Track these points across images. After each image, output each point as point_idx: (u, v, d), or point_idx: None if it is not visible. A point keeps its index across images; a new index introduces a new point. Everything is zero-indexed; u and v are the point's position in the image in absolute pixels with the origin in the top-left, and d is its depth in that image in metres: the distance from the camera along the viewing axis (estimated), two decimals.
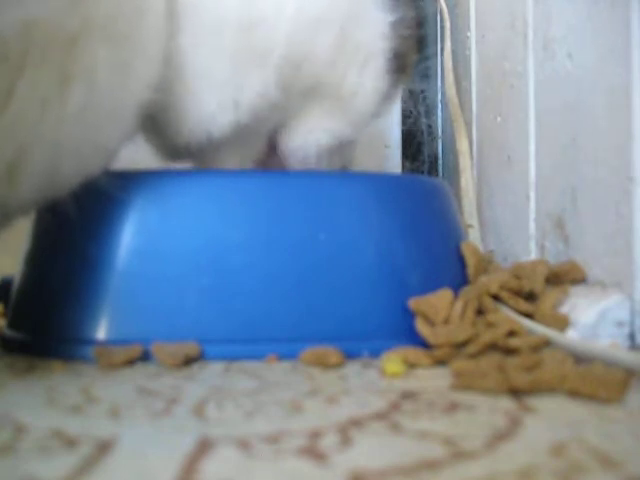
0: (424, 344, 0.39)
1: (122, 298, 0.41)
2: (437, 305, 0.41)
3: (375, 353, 0.39)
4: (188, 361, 0.38)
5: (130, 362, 0.38)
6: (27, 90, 0.32)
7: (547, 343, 0.38)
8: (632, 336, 0.40)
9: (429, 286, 0.42)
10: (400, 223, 0.44)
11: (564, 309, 0.42)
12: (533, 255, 0.53)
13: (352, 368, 0.37)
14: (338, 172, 0.53)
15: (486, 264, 0.46)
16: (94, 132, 0.36)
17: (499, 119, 0.61)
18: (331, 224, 0.42)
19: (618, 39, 0.41)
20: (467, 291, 0.42)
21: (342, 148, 0.51)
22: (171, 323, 0.40)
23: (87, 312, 0.41)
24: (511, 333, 0.39)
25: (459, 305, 0.41)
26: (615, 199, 0.41)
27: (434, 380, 0.34)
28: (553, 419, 0.28)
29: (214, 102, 0.44)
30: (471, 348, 0.37)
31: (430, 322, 0.40)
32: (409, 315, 0.41)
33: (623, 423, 0.27)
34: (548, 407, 0.29)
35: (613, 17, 0.42)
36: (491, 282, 0.43)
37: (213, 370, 0.37)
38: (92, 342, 0.40)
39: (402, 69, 0.50)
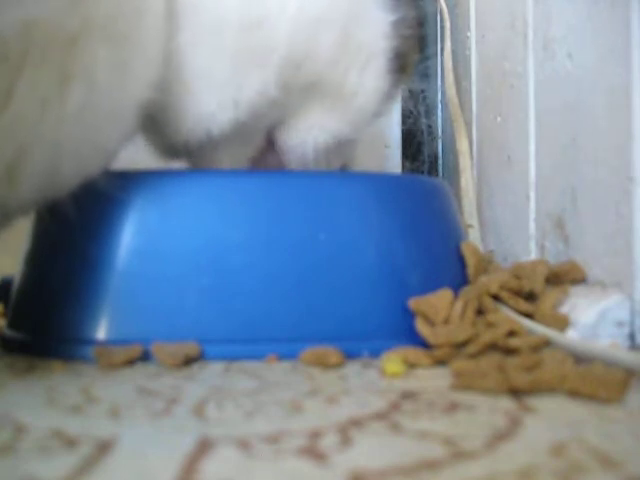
0: (424, 344, 0.39)
1: (122, 298, 0.41)
2: (437, 305, 0.41)
3: (375, 353, 0.39)
4: (188, 361, 0.38)
5: (130, 362, 0.38)
6: (27, 90, 0.32)
7: (547, 343, 0.38)
8: (632, 336, 0.40)
9: (429, 286, 0.42)
10: (400, 223, 0.44)
11: (564, 309, 0.42)
12: (533, 255, 0.53)
13: (352, 368, 0.37)
14: (338, 172, 0.53)
15: (486, 264, 0.46)
16: (94, 132, 0.36)
17: (499, 119, 0.61)
18: (331, 224, 0.42)
19: (618, 39, 0.41)
20: (467, 291, 0.42)
21: (343, 147, 0.51)
22: (171, 323, 0.40)
23: (87, 312, 0.41)
24: (511, 333, 0.39)
25: (459, 305, 0.41)
26: (615, 199, 0.41)
27: (434, 380, 0.34)
28: (553, 419, 0.28)
29: (214, 102, 0.44)
30: (471, 348, 0.37)
31: (430, 322, 0.40)
32: (409, 315, 0.41)
33: (623, 423, 0.27)
34: (548, 407, 0.29)
35: (613, 17, 0.42)
36: (491, 282, 0.43)
37: (213, 370, 0.37)
38: (92, 342, 0.40)
39: (403, 69, 0.50)
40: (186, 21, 0.42)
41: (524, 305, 0.42)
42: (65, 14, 0.33)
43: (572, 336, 0.40)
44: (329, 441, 0.25)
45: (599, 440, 0.25)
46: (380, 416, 0.28)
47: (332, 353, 0.38)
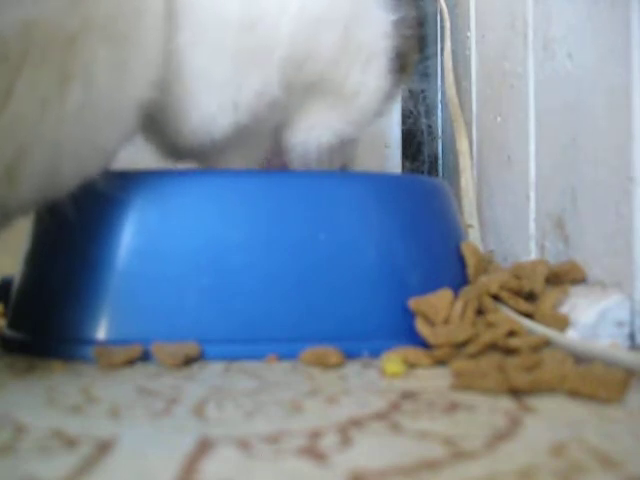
0: (424, 344, 0.39)
1: (122, 298, 0.41)
2: (437, 305, 0.41)
3: (375, 353, 0.39)
4: (188, 361, 0.38)
5: (130, 362, 0.38)
6: (26, 90, 0.32)
7: (547, 343, 0.38)
8: (632, 336, 0.40)
9: (429, 286, 0.42)
10: (400, 223, 0.44)
11: (564, 309, 0.42)
12: (533, 255, 0.53)
13: (352, 368, 0.37)
14: (338, 172, 0.53)
15: (486, 264, 0.46)
16: (93, 132, 0.36)
17: (499, 119, 0.61)
18: (331, 224, 0.42)
19: (618, 39, 0.41)
20: (467, 291, 0.42)
21: (343, 147, 0.51)
22: (171, 323, 0.40)
23: (87, 312, 0.41)
24: (511, 333, 0.39)
25: (459, 305, 0.41)
26: (615, 199, 0.41)
27: (434, 380, 0.34)
28: (553, 419, 0.28)
29: (214, 102, 0.44)
30: (471, 348, 0.37)
31: (430, 322, 0.40)
32: (409, 315, 0.41)
33: (623, 423, 0.27)
34: (548, 407, 0.29)
35: (613, 17, 0.42)
36: (491, 282, 0.43)
37: (213, 370, 0.37)
38: (92, 342, 0.40)
39: (403, 68, 0.50)
40: (186, 21, 0.42)
41: (524, 305, 0.42)
42: (65, 14, 0.33)
43: (572, 336, 0.40)
44: (329, 441, 0.25)
45: (599, 440, 0.25)
46: (380, 416, 0.28)
47: (332, 353, 0.38)
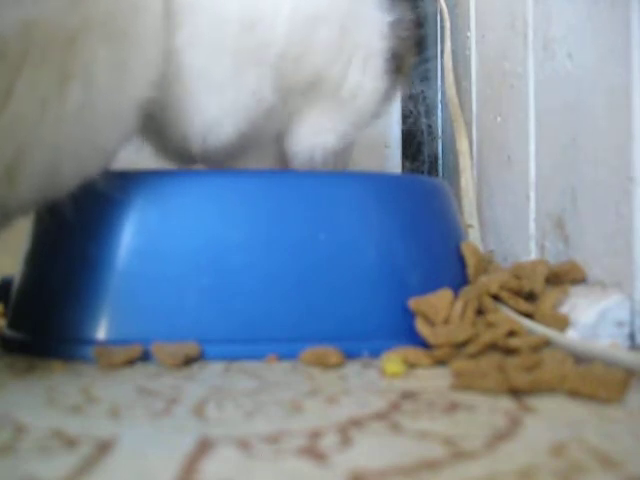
0: (424, 344, 0.39)
1: (122, 298, 0.41)
2: (437, 305, 0.41)
3: (375, 353, 0.39)
4: (188, 361, 0.38)
5: (130, 362, 0.38)
6: (26, 90, 0.32)
7: (547, 343, 0.38)
8: (632, 336, 0.40)
9: (429, 286, 0.42)
10: (400, 223, 0.44)
11: (564, 309, 0.42)
12: (533, 255, 0.53)
13: (352, 368, 0.37)
14: (338, 172, 0.53)
15: (486, 264, 0.46)
16: (93, 132, 0.36)
17: (499, 119, 0.61)
18: (331, 224, 0.42)
19: (618, 39, 0.41)
20: (467, 291, 0.42)
21: (342, 150, 0.51)
22: (171, 323, 0.40)
23: (87, 312, 0.41)
24: (511, 333, 0.39)
25: (459, 305, 0.41)
26: (615, 199, 0.41)
27: (434, 380, 0.34)
28: (553, 419, 0.28)
29: (214, 103, 0.44)
30: (471, 348, 0.37)
31: (430, 322, 0.40)
32: (409, 315, 0.41)
33: (623, 423, 0.27)
34: (548, 407, 0.29)
35: (613, 17, 0.42)
36: (491, 282, 0.43)
37: (213, 370, 0.37)
38: (92, 342, 0.40)
39: (400, 70, 0.50)
40: (184, 20, 0.42)
41: (524, 305, 0.42)
42: (65, 14, 0.33)
43: (572, 336, 0.40)
44: (329, 441, 0.25)
45: (599, 440, 0.25)
46: (380, 416, 0.28)
47: (332, 353, 0.38)
